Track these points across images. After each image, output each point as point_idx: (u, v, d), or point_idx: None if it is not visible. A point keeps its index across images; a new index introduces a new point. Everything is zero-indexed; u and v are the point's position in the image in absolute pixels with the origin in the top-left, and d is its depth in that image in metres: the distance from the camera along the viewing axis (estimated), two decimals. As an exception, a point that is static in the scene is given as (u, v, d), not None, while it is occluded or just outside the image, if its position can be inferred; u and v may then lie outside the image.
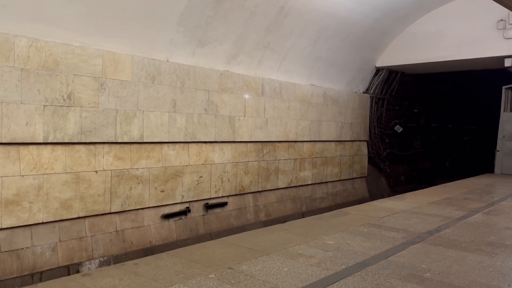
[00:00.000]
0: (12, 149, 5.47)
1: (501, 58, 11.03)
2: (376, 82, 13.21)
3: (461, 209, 7.56)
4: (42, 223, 5.76)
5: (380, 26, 11.37)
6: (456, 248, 5.08)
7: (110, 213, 6.53)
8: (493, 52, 10.93)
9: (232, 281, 3.83)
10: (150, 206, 7.07)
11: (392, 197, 9.43)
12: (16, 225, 5.50)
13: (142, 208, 6.99)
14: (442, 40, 11.66)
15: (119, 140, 6.60)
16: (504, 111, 14.05)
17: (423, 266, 4.38)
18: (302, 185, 10.53)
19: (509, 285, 3.91)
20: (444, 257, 4.70)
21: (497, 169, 14.16)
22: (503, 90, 14.13)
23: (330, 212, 7.31)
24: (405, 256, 4.71)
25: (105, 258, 6.37)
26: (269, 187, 9.50)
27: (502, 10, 10.16)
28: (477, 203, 8.23)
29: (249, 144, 8.98)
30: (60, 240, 5.92)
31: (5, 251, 5.39)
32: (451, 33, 11.52)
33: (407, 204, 7.91)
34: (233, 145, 8.61)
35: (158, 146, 7.18)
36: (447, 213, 7.18)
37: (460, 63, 12.02)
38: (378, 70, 13.06)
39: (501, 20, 10.73)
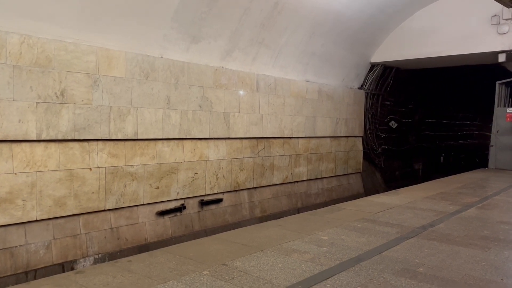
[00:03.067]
0: (5, 147, 5.43)
1: (495, 53, 11.06)
2: (371, 77, 13.22)
3: (455, 203, 7.60)
4: (36, 220, 5.73)
5: (375, 21, 11.36)
6: (450, 242, 5.10)
7: (104, 210, 6.51)
8: (487, 48, 10.97)
9: (226, 278, 3.83)
10: (145, 203, 7.05)
11: (386, 192, 9.46)
12: (9, 223, 5.47)
13: (137, 205, 6.97)
14: (436, 36, 11.68)
15: (113, 137, 6.58)
16: (498, 106, 14.12)
17: (417, 260, 4.40)
18: (297, 181, 10.54)
19: (502, 279, 3.94)
20: (438, 252, 4.72)
21: (491, 164, 14.24)
22: (497, 85, 14.19)
23: (325, 208, 7.32)
24: (399, 251, 4.73)
25: (99, 255, 6.35)
26: (264, 183, 9.50)
27: (495, 6, 10.18)
28: (471, 197, 8.28)
29: (244, 141, 8.97)
30: (54, 238, 5.90)
31: (-2, 249, 5.36)
32: (445, 29, 11.54)
33: (401, 199, 7.94)
34: (228, 141, 8.60)
35: (152, 143, 7.16)
36: (441, 207, 7.21)
37: (455, 58, 12.04)
38: (373, 65, 13.06)
39: (495, 15, 10.75)
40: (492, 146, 14.21)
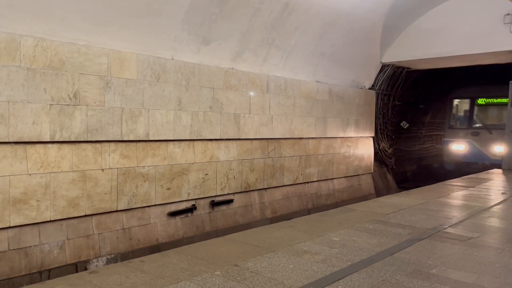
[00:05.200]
0: (19, 148, 5.52)
1: (508, 53, 10.94)
2: (381, 78, 13.16)
3: (468, 205, 7.52)
4: (50, 221, 5.81)
5: (385, 21, 11.31)
6: (463, 244, 5.05)
7: (116, 211, 6.57)
8: (500, 47, 10.85)
9: (238, 278, 3.84)
10: (156, 203, 7.10)
11: (398, 193, 9.41)
12: (24, 224, 5.55)
13: (149, 206, 7.02)
14: (448, 35, 11.58)
15: (125, 138, 6.64)
16: (511, 106, 13.92)
17: (429, 262, 4.37)
18: (307, 182, 10.52)
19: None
20: (450, 253, 4.68)
21: (504, 164, 14.04)
22: (510, 85, 14.00)
23: (336, 209, 7.30)
24: (411, 252, 4.70)
25: (112, 255, 6.41)
26: (274, 184, 9.50)
27: (508, 4, 10.09)
28: (484, 199, 8.19)
29: (254, 142, 8.98)
30: (67, 238, 5.97)
31: (13, 249, 5.44)
32: (457, 28, 11.44)
33: (413, 200, 7.88)
34: (238, 142, 8.62)
35: (163, 144, 7.21)
36: (453, 209, 7.15)
37: (467, 58, 11.94)
38: (384, 66, 13.00)
39: (508, 14, 10.63)
40: (506, 146, 14.00)
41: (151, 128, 6.97)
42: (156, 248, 6.77)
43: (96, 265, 6.20)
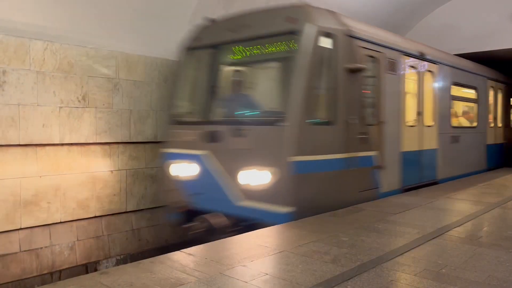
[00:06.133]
0: (30, 151, 5.58)
1: (517, 50, 10.86)
2: (389, 77, 12.98)
3: (478, 203, 7.46)
4: (60, 222, 5.87)
5: (393, 20, 11.26)
6: (473, 243, 5.01)
7: (126, 212, 6.61)
8: (508, 44, 10.77)
9: (247, 279, 3.84)
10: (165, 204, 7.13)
11: (407, 192, 9.35)
12: (35, 225, 5.62)
13: (157, 207, 7.06)
14: (456, 33, 11.52)
15: (134, 140, 6.68)
16: None
17: (439, 261, 4.34)
18: (315, 182, 10.49)
19: None
20: (460, 253, 4.64)
21: (514, 163, 13.91)
22: None
23: (344, 209, 7.27)
24: (421, 252, 4.67)
25: (121, 256, 6.46)
26: (282, 184, 9.48)
27: (517, 1, 10.00)
28: (494, 197, 8.11)
29: (262, 142, 8.98)
30: (78, 239, 6.03)
31: (24, 251, 5.51)
32: (465, 26, 11.37)
33: (422, 200, 7.83)
34: (246, 143, 8.62)
35: (171, 145, 7.24)
36: (463, 207, 7.09)
37: (475, 56, 11.83)
38: (391, 64, 12.85)
39: (516, 11, 10.57)
40: (515, 144, 13.85)
41: (159, 129, 7.00)
42: (165, 249, 6.81)
43: (106, 266, 6.25)
